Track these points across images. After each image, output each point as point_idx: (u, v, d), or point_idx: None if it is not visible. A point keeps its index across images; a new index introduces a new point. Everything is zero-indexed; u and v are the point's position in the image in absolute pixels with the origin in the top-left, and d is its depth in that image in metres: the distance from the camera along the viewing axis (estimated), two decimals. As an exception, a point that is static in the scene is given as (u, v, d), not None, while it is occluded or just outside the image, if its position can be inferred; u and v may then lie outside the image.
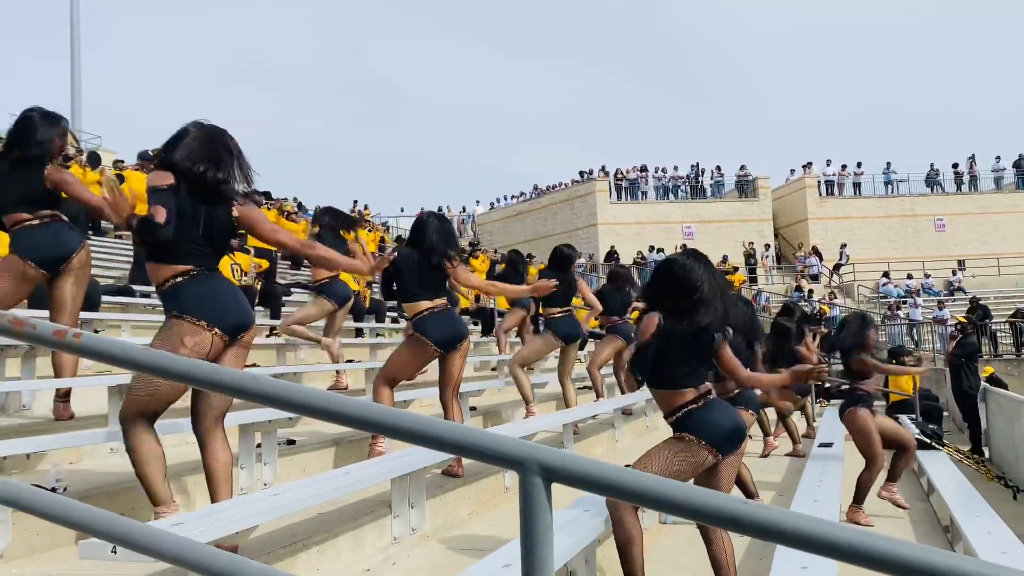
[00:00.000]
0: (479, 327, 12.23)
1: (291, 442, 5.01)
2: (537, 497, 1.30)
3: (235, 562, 1.44)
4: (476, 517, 4.64)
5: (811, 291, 24.31)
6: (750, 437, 4.87)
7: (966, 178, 29.85)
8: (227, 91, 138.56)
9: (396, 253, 4.78)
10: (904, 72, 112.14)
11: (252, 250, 8.79)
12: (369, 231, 16.99)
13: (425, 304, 4.71)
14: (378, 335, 10.02)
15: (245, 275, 8.43)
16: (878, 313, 22.77)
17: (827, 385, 14.02)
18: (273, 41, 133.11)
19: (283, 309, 9.07)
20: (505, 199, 33.75)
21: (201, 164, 3.01)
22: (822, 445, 7.23)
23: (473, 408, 7.03)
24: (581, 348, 12.79)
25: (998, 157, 30.00)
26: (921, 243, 28.54)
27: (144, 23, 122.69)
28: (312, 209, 14.64)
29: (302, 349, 8.11)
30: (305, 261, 13.54)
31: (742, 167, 29.77)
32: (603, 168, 30.01)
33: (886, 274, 26.25)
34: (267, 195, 13.09)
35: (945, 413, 13.01)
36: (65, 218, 4.23)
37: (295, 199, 18.26)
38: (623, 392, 8.41)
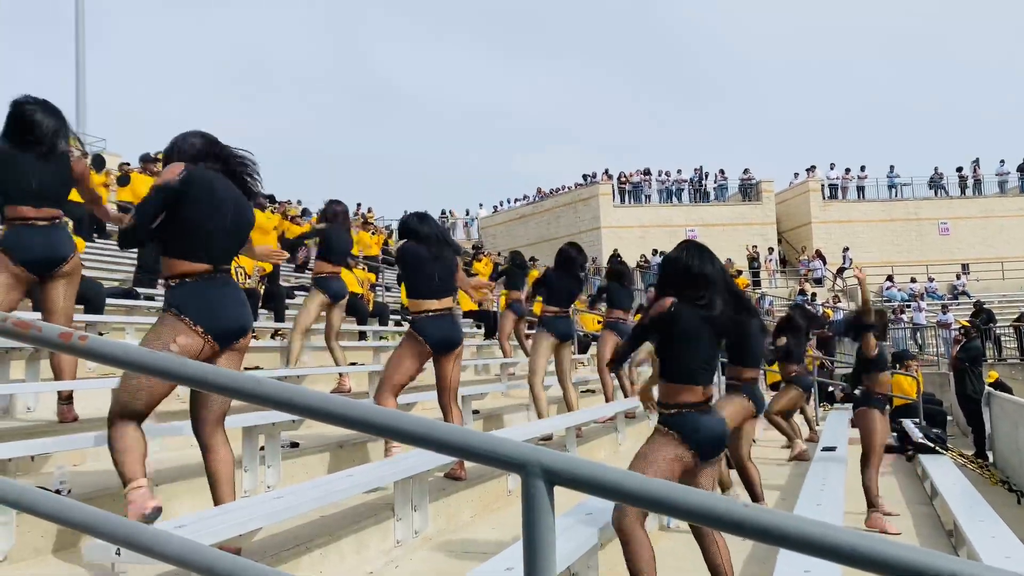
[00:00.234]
0: (482, 330, 12.21)
1: (295, 445, 5.01)
2: (539, 500, 1.30)
3: (238, 564, 1.44)
4: (479, 520, 4.65)
5: (815, 295, 24.25)
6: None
7: (970, 181, 29.79)
8: (227, 91, 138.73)
9: (402, 249, 4.92)
10: (904, 72, 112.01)
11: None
12: (372, 233, 17.02)
13: (432, 304, 4.77)
14: (381, 338, 10.02)
15: (248, 278, 8.44)
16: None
17: (831, 389, 14.04)
18: (273, 41, 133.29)
19: (286, 312, 9.11)
20: (508, 202, 33.77)
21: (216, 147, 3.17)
22: (825, 449, 7.22)
23: (476, 411, 7.04)
24: (583, 351, 12.81)
25: (1002, 161, 30.01)
26: (925, 247, 28.47)
27: (144, 23, 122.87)
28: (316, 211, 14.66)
29: (305, 352, 8.11)
30: (305, 262, 13.56)
31: (745, 170, 29.73)
32: (607, 171, 30.01)
33: (890, 278, 26.16)
34: (271, 199, 13.11)
35: (949, 417, 12.98)
36: (68, 220, 4.22)
37: (299, 202, 18.31)
38: (626, 395, 8.40)
